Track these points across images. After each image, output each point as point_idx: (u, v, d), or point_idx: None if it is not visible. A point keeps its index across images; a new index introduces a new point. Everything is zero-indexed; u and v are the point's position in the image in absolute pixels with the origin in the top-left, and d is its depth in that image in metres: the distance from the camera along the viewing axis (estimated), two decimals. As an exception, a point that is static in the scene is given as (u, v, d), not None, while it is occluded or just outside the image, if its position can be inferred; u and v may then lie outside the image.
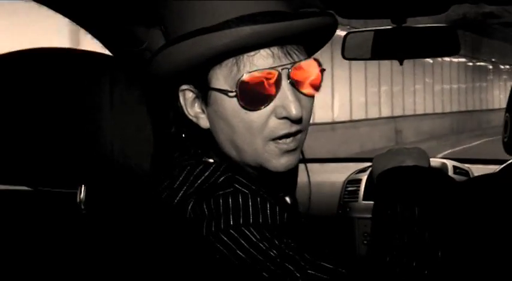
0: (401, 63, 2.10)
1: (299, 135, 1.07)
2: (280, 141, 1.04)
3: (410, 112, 20.57)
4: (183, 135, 1.11)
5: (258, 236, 0.96)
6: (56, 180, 1.03)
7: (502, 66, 31.66)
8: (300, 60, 1.03)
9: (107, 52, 1.63)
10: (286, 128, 1.03)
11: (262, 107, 1.01)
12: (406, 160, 1.23)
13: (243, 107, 1.01)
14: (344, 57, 2.16)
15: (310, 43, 1.09)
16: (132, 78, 1.00)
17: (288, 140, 1.05)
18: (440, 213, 1.11)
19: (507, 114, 1.13)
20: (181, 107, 1.08)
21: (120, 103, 0.98)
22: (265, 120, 1.02)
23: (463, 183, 1.29)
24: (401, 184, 1.16)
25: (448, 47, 2.06)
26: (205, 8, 1.01)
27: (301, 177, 1.26)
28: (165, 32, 1.10)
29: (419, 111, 21.53)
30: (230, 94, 1.01)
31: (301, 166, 1.20)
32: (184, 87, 1.07)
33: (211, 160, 1.08)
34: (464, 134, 22.30)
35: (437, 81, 23.68)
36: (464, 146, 17.36)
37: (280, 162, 1.06)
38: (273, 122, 1.03)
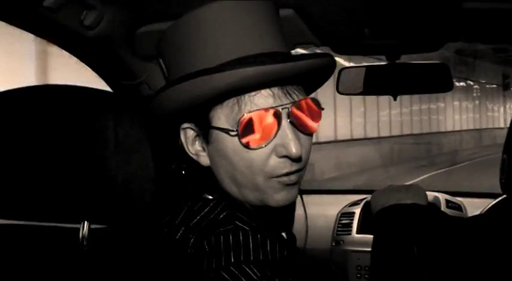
0: (394, 99, 2.12)
1: (299, 172, 1.08)
2: (281, 176, 1.06)
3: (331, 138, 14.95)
4: (183, 172, 1.12)
5: (259, 274, 0.96)
6: (59, 215, 1.03)
7: (458, 84, 27.81)
8: (300, 100, 1.05)
9: (96, 83, 1.65)
10: (286, 167, 1.05)
11: (263, 146, 1.03)
12: (404, 197, 1.24)
13: (243, 145, 1.02)
14: (338, 92, 2.18)
15: (309, 83, 1.11)
16: (136, 115, 1.02)
17: (289, 175, 1.06)
18: (439, 253, 1.12)
19: (504, 156, 1.15)
20: (182, 145, 1.10)
21: (124, 140, 1.00)
22: (266, 158, 1.04)
23: (459, 222, 1.30)
24: (400, 222, 1.17)
25: (440, 84, 2.08)
26: (208, 48, 1.03)
27: (297, 210, 1.27)
28: (166, 68, 1.11)
29: (344, 136, 16.06)
30: (231, 133, 1.03)
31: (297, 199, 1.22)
32: (185, 125, 1.09)
33: (211, 197, 1.09)
34: (405, 164, 17.22)
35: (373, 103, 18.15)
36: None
37: (281, 196, 1.07)
38: (274, 160, 1.04)
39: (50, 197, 1.01)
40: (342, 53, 1.93)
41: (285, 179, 1.06)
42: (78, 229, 1.04)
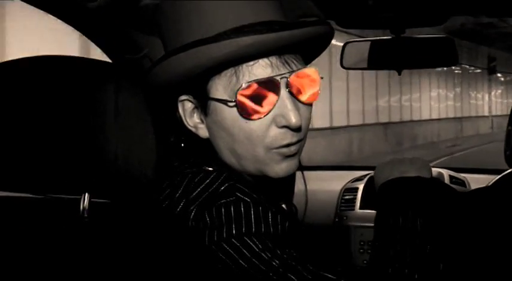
0: (399, 74, 2.10)
1: (299, 143, 1.08)
2: (281, 147, 1.05)
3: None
4: (182, 145, 1.12)
5: (261, 246, 0.96)
6: (60, 187, 1.03)
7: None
8: (298, 69, 1.04)
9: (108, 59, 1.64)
10: (287, 137, 1.04)
11: (262, 117, 1.02)
12: (408, 170, 1.23)
13: (242, 116, 1.02)
14: (342, 66, 2.17)
15: (307, 52, 1.10)
16: (136, 86, 1.01)
17: (289, 146, 1.06)
18: (443, 226, 1.12)
19: (509, 127, 1.14)
20: (180, 117, 1.09)
21: (125, 111, 0.99)
22: (266, 129, 1.03)
23: (464, 195, 1.29)
24: (404, 195, 1.16)
25: (446, 58, 2.07)
26: (204, 18, 1.02)
27: (298, 185, 1.27)
28: (164, 40, 1.10)
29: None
30: (230, 104, 1.02)
31: (298, 174, 1.21)
32: (183, 97, 1.08)
33: (211, 169, 1.08)
34: (365, 160, 13.59)
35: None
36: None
37: (281, 167, 1.06)
38: (274, 131, 1.03)
39: (50, 169, 1.01)
40: (346, 26, 1.92)
41: (285, 150, 1.05)
42: (79, 201, 1.03)
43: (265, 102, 1.01)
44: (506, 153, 1.15)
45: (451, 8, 1.71)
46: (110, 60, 1.64)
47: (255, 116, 1.01)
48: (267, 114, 1.02)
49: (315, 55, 1.15)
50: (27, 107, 1.00)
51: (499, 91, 32.59)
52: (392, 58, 2.07)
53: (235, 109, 1.02)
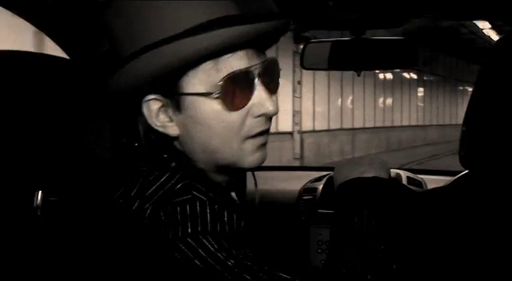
0: (358, 75, 2.12)
1: (267, 132, 1.11)
2: (255, 137, 1.08)
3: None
4: (136, 145, 1.10)
5: (216, 246, 0.96)
6: (13, 185, 1.01)
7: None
8: (267, 60, 1.08)
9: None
10: (262, 125, 1.07)
11: (243, 107, 1.04)
12: (367, 170, 1.24)
13: (225, 108, 1.03)
14: (303, 66, 2.18)
15: (263, 44, 1.11)
16: (93, 84, 0.99)
17: (262, 135, 1.09)
18: (397, 226, 1.13)
19: (464, 128, 1.15)
20: (144, 117, 1.07)
21: (80, 109, 0.97)
22: (243, 120, 1.05)
23: (419, 195, 1.30)
24: (360, 195, 1.17)
25: (405, 60, 2.09)
26: (177, 13, 0.99)
27: (251, 185, 1.27)
28: (115, 42, 1.05)
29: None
30: (211, 97, 1.02)
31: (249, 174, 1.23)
32: (149, 97, 1.05)
33: (168, 167, 1.07)
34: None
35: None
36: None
37: (254, 157, 1.09)
38: (249, 120, 1.06)
39: (4, 167, 0.99)
40: (307, 27, 1.92)
41: (261, 139, 1.09)
42: (33, 198, 1.01)
43: (244, 93, 1.04)
44: (461, 154, 1.16)
45: (410, 11, 1.73)
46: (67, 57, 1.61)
47: (238, 107, 1.04)
48: (246, 105, 1.04)
49: (266, 47, 1.15)
50: None
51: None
52: (352, 59, 2.08)
53: (216, 102, 1.02)
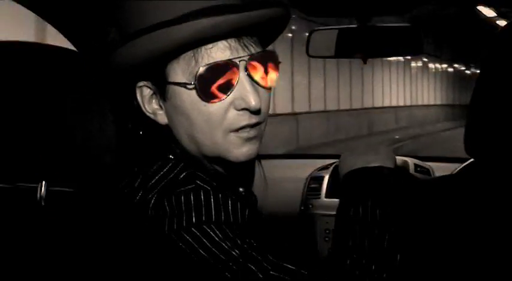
0: (364, 62, 2.10)
1: (258, 126, 1.08)
2: (240, 131, 1.05)
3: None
4: (141, 132, 1.10)
5: (221, 235, 0.96)
6: (17, 176, 1.01)
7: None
8: (257, 53, 1.05)
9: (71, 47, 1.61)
10: (245, 119, 1.05)
11: (221, 99, 1.02)
12: (372, 160, 1.23)
13: (201, 99, 1.02)
14: (308, 54, 2.16)
15: (265, 35, 1.10)
16: (96, 74, 0.99)
17: (248, 129, 1.06)
18: (401, 216, 1.12)
19: (469, 116, 1.14)
20: (138, 104, 1.08)
21: (84, 99, 0.97)
22: (224, 112, 1.03)
23: (425, 185, 1.30)
24: (365, 185, 1.16)
25: (411, 47, 2.07)
26: (163, 2, 1.01)
27: (259, 174, 1.27)
28: (122, 28, 1.08)
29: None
30: (188, 87, 1.02)
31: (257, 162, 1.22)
32: (141, 83, 1.07)
33: (171, 156, 1.07)
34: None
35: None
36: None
37: (241, 151, 1.07)
38: (232, 114, 1.04)
39: (8, 158, 0.99)
40: (311, 14, 1.91)
41: (244, 134, 1.06)
42: (36, 189, 1.01)
43: (224, 85, 1.02)
44: (466, 142, 1.15)
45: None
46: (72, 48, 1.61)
47: (215, 99, 1.02)
48: (226, 97, 1.02)
49: (272, 38, 1.15)
50: None
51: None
52: (358, 47, 2.07)
53: (194, 92, 1.02)
